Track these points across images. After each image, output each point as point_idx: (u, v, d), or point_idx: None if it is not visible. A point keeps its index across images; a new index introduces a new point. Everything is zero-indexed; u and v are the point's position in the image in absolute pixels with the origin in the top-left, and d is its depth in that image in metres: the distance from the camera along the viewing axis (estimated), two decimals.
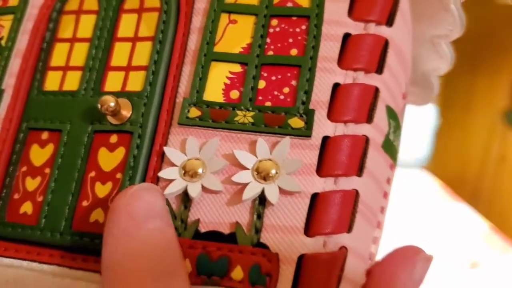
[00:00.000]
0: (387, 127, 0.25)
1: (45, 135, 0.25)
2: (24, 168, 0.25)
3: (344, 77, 0.23)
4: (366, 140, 0.23)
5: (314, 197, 0.22)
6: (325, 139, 0.22)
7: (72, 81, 0.26)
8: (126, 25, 0.26)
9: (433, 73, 0.34)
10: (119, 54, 0.25)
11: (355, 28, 0.24)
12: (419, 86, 0.36)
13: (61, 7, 0.27)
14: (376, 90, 0.24)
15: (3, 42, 0.27)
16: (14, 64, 0.27)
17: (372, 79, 0.23)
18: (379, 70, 0.24)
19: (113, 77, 0.25)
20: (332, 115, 0.22)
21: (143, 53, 0.25)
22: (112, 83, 0.25)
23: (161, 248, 0.20)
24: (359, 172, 0.22)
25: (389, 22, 0.24)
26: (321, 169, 0.22)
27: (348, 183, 0.22)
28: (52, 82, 0.26)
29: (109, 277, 0.20)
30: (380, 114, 0.24)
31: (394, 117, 0.25)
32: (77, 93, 0.25)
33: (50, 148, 0.25)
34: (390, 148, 0.25)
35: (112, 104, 0.23)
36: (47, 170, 0.24)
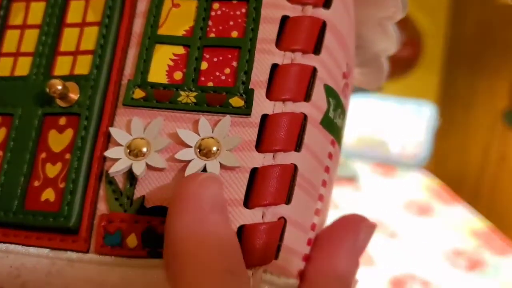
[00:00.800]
0: (326, 105, 0.26)
1: None
2: None
3: (282, 58, 0.24)
4: (304, 117, 0.24)
5: (254, 172, 0.23)
6: (264, 117, 0.23)
7: (23, 67, 0.26)
8: (75, 11, 0.27)
9: (383, 54, 0.36)
10: (68, 39, 0.26)
11: (293, 10, 0.25)
12: (372, 67, 0.37)
13: None
14: (314, 70, 0.25)
15: None
16: None
17: (310, 60, 0.25)
18: (317, 51, 0.25)
19: (62, 61, 0.26)
20: (271, 94, 0.24)
21: (90, 38, 0.26)
22: (61, 68, 0.26)
23: (226, 242, 0.20)
24: (297, 147, 0.24)
25: (326, 4, 0.26)
26: (261, 145, 0.23)
27: (287, 158, 0.23)
28: (3, 68, 0.27)
29: (178, 266, 0.19)
30: (318, 92, 0.25)
31: (333, 96, 0.27)
32: (28, 78, 0.26)
33: (2, 132, 0.26)
34: (330, 125, 0.26)
35: (59, 87, 0.24)
36: (0, 153, 0.25)
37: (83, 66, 0.25)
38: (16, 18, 0.27)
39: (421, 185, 0.62)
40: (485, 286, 0.47)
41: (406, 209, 0.59)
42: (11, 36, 0.27)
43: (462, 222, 0.55)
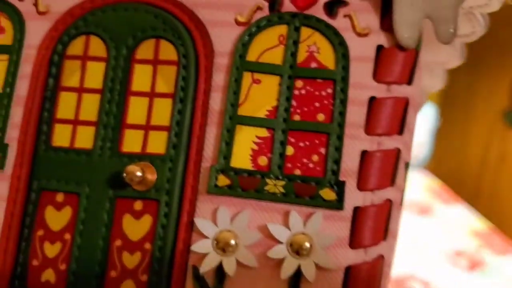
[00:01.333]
0: (404, 182, 0.26)
1: (60, 197, 0.24)
2: (40, 232, 0.24)
3: (370, 143, 0.23)
4: (390, 204, 0.24)
5: (347, 269, 0.22)
6: (355, 209, 0.23)
7: (85, 138, 0.25)
8: (141, 78, 0.25)
9: (426, 89, 0.35)
10: (136, 110, 0.24)
11: (379, 90, 0.24)
12: None
13: (63, 49, 0.25)
14: (398, 151, 0.24)
15: None
16: (15, 114, 0.25)
17: (395, 141, 0.24)
18: (401, 131, 0.24)
19: (131, 136, 0.24)
20: (360, 184, 0.23)
21: (162, 111, 0.24)
22: (131, 143, 0.24)
23: None
24: (385, 237, 0.24)
25: (410, 81, 0.25)
26: (353, 241, 0.23)
27: (376, 251, 0.23)
28: (61, 137, 0.25)
29: None
30: (401, 174, 0.25)
31: (408, 169, 0.26)
32: (93, 152, 0.24)
33: (67, 212, 0.24)
34: (403, 199, 0.26)
35: (138, 174, 0.23)
36: (67, 236, 0.24)
37: (158, 144, 0.24)
38: (70, 78, 0.25)
39: (421, 185, 0.64)
40: (485, 286, 0.49)
41: (406, 209, 0.60)
42: (66, 100, 0.25)
43: (462, 222, 0.57)
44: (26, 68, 0.25)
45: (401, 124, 0.24)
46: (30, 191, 0.24)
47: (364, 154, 0.23)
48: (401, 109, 0.24)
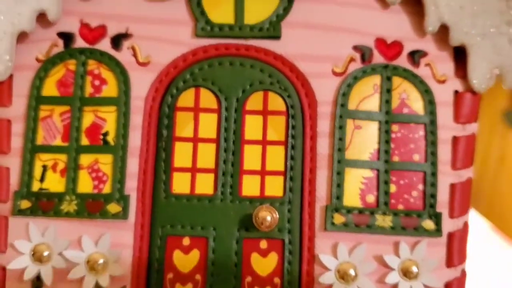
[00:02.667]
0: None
1: (186, 241, 0.26)
2: (170, 275, 0.26)
3: (454, 177, 0.27)
4: (467, 227, 0.28)
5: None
6: (448, 233, 0.27)
7: (205, 184, 0.27)
8: (252, 127, 0.27)
9: None
10: (251, 157, 0.27)
11: (458, 130, 0.28)
12: None
13: (173, 102, 0.27)
14: (471, 180, 0.28)
15: (110, 139, 0.27)
16: (132, 164, 0.27)
17: (468, 173, 0.28)
18: (472, 163, 0.29)
19: (249, 181, 0.27)
20: (451, 213, 0.27)
21: (276, 158, 0.27)
22: (250, 188, 0.27)
23: None
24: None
25: (476, 119, 0.29)
26: (448, 261, 0.27)
27: (462, 267, 0.27)
28: (180, 184, 0.27)
29: None
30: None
31: None
32: (215, 197, 0.26)
33: (195, 254, 0.26)
34: None
35: (268, 218, 0.25)
36: (198, 277, 0.26)
37: (275, 187, 0.26)
38: (184, 129, 0.27)
39: None
40: (484, 286, 0.53)
41: None
42: (182, 149, 0.27)
43: None
44: (136, 119, 0.27)
45: (472, 156, 0.29)
46: (154, 238, 0.26)
47: (452, 187, 0.27)
48: (472, 144, 0.28)
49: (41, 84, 0.27)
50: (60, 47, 0.28)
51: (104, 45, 0.27)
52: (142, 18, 0.27)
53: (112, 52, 0.27)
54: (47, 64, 0.27)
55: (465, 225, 0.28)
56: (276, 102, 0.27)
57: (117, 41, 0.27)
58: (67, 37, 0.28)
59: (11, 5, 0.26)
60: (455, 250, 0.27)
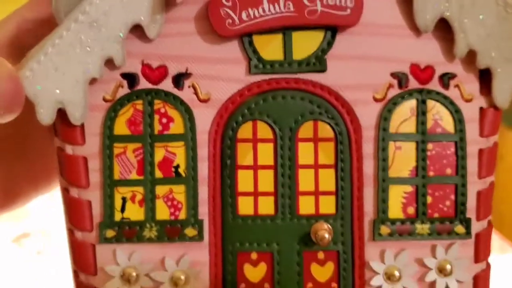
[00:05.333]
0: None
1: (254, 256, 0.30)
2: (242, 286, 0.30)
3: (481, 184, 0.32)
4: (491, 226, 0.33)
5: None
6: (476, 234, 0.31)
7: (267, 206, 0.30)
8: (305, 153, 0.30)
9: None
10: (305, 180, 0.30)
11: (483, 143, 0.32)
12: None
13: (233, 135, 0.30)
14: (493, 184, 0.33)
15: (181, 171, 0.30)
16: (202, 192, 0.30)
17: (491, 178, 0.32)
18: (494, 169, 0.33)
19: (305, 201, 0.31)
20: (478, 216, 0.31)
21: (327, 179, 0.30)
22: (305, 207, 0.31)
23: None
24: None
25: (497, 130, 0.33)
26: (476, 257, 0.31)
27: (487, 261, 0.32)
28: (245, 206, 0.30)
29: None
30: None
31: None
32: (276, 217, 0.30)
33: (263, 267, 0.30)
34: None
35: (326, 236, 0.29)
36: (267, 285, 0.30)
37: (328, 206, 0.30)
38: (245, 158, 0.30)
39: None
40: None
41: None
42: (244, 176, 0.30)
43: None
44: (202, 152, 0.30)
45: (494, 163, 0.33)
46: (226, 254, 0.30)
47: (478, 194, 0.31)
48: (495, 153, 0.32)
49: (112, 124, 0.30)
50: (125, 87, 0.30)
51: (167, 85, 0.30)
52: (200, 58, 0.30)
53: (174, 91, 0.30)
54: (116, 105, 0.30)
55: (489, 223, 0.32)
56: (325, 130, 0.30)
57: (178, 80, 0.30)
58: (130, 78, 0.30)
59: (82, 56, 0.29)
60: (482, 248, 0.31)
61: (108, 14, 0.29)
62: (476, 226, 0.31)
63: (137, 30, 0.29)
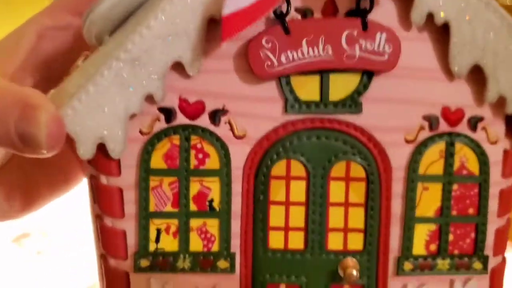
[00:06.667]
0: None
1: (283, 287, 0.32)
2: None
3: (499, 223, 0.33)
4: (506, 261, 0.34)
5: None
6: (491, 269, 0.33)
7: (297, 241, 0.32)
8: (336, 191, 0.31)
9: None
10: (335, 217, 0.32)
11: (504, 183, 0.33)
12: None
13: (267, 171, 0.31)
14: (510, 221, 0.34)
15: (215, 205, 0.31)
16: (235, 226, 0.31)
17: (509, 215, 0.34)
18: (511, 208, 0.34)
19: (334, 237, 0.32)
20: (495, 253, 0.33)
21: (356, 217, 0.32)
22: (334, 243, 0.32)
23: None
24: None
25: None
26: None
27: None
28: (276, 241, 0.32)
29: None
30: None
31: None
32: (305, 252, 0.32)
33: None
34: None
35: (354, 273, 0.31)
36: None
37: (356, 242, 0.32)
38: (277, 194, 0.31)
39: None
40: None
41: None
42: (276, 211, 0.31)
43: None
44: (236, 187, 0.31)
45: (511, 202, 0.34)
46: (256, 286, 0.32)
47: (496, 232, 0.33)
48: None
49: (149, 158, 0.31)
50: (162, 121, 0.31)
51: (203, 120, 0.31)
52: (237, 96, 0.30)
53: (211, 127, 0.31)
54: (153, 139, 0.30)
55: (503, 259, 0.34)
56: (357, 170, 0.31)
57: (215, 116, 0.31)
58: (167, 112, 0.31)
59: (123, 93, 0.29)
60: (496, 281, 0.33)
61: (150, 52, 0.29)
62: (492, 261, 0.33)
63: (177, 65, 0.29)
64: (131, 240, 0.31)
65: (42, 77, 0.36)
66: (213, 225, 0.31)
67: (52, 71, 0.36)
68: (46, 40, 0.36)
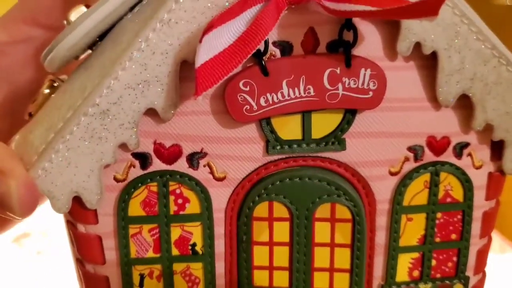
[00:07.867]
0: None
1: None
2: None
3: (481, 244, 0.33)
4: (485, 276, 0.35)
5: None
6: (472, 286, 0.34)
7: (281, 279, 0.31)
8: (321, 232, 0.31)
9: None
10: (320, 257, 0.31)
11: (487, 206, 0.33)
12: None
13: (250, 213, 0.30)
14: (491, 240, 0.34)
15: (198, 249, 0.31)
16: (218, 267, 0.31)
17: (490, 236, 0.34)
18: (494, 225, 0.34)
19: (319, 277, 0.32)
20: (475, 272, 0.34)
21: (342, 258, 0.31)
22: (320, 282, 0.32)
23: None
24: None
25: (501, 192, 0.34)
26: None
27: None
28: (260, 279, 0.31)
29: None
30: None
31: None
32: None
33: None
34: None
35: None
36: None
37: (341, 282, 0.32)
38: (260, 235, 0.31)
39: None
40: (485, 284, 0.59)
41: None
42: (260, 251, 0.31)
43: None
44: (219, 230, 0.30)
45: (495, 221, 0.34)
46: None
47: (478, 253, 0.33)
48: (496, 212, 0.34)
49: (126, 206, 0.29)
50: (137, 167, 0.29)
51: (181, 165, 0.29)
52: (215, 138, 0.29)
53: (189, 171, 0.29)
54: (129, 188, 0.29)
55: (483, 274, 0.34)
56: (343, 211, 0.31)
57: (193, 160, 0.29)
58: (143, 158, 0.29)
59: (95, 146, 0.27)
60: None
61: (120, 103, 0.27)
62: (473, 280, 0.33)
63: (150, 110, 0.28)
64: (114, 285, 0.31)
65: (5, 96, 0.34)
66: (196, 268, 0.31)
67: (19, 89, 0.34)
68: (5, 58, 0.34)
